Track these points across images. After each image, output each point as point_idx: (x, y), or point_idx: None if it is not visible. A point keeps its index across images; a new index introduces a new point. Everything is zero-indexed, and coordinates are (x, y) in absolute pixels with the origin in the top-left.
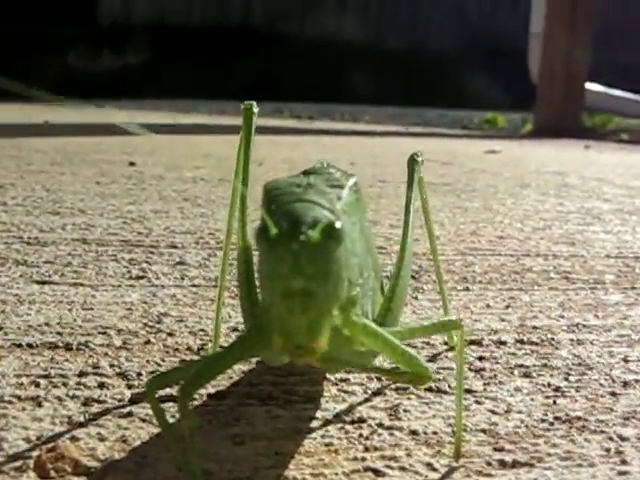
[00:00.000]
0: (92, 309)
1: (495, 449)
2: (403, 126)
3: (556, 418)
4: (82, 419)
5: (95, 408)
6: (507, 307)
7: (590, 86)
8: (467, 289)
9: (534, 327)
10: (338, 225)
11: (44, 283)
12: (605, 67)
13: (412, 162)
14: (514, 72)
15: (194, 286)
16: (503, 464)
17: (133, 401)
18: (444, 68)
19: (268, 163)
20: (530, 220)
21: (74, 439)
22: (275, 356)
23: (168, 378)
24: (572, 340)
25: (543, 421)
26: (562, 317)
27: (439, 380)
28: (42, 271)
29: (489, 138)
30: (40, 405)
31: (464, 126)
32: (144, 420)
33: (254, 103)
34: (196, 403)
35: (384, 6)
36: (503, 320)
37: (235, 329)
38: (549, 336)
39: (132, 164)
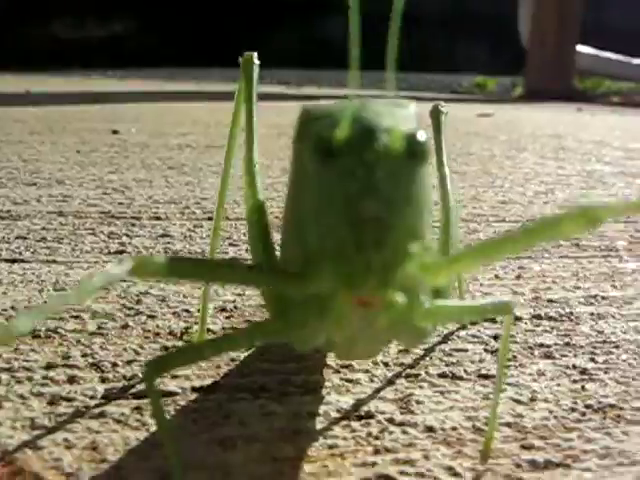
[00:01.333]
0: (64, 289)
1: (523, 447)
2: (391, 90)
3: (587, 407)
4: (47, 422)
5: (63, 407)
6: (518, 277)
7: (581, 49)
8: None
9: (549, 300)
10: (423, 137)
11: (14, 261)
12: (595, 29)
13: (436, 113)
14: (502, 36)
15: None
16: (534, 465)
17: (106, 397)
18: (431, 32)
19: None
20: (531, 184)
21: (36, 448)
22: (311, 335)
23: (171, 362)
24: (592, 314)
25: (573, 410)
26: (578, 288)
27: (452, 364)
28: (12, 247)
29: (480, 102)
30: (0, 406)
31: (453, 90)
32: (118, 421)
33: (254, 54)
34: (178, 399)
35: None
36: (515, 293)
37: (223, 309)
38: (567, 310)
39: (115, 132)
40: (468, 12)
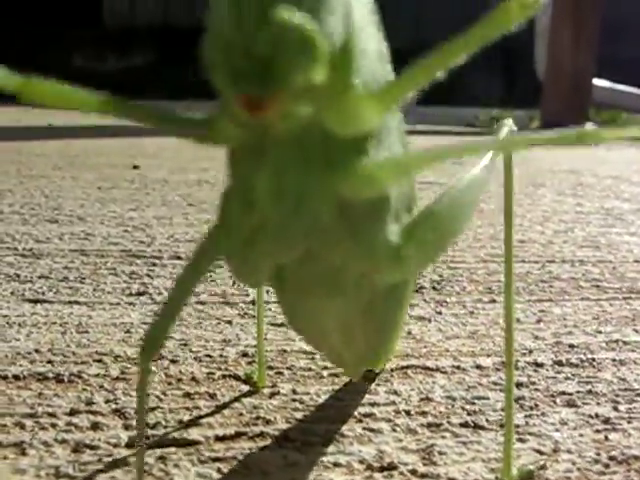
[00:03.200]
0: (87, 332)
1: None
2: (407, 124)
3: (611, 458)
4: (71, 470)
5: (87, 455)
6: (539, 322)
7: (597, 82)
8: (493, 301)
9: (571, 345)
10: None
11: (37, 302)
12: (610, 62)
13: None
14: (518, 69)
15: (200, 303)
16: None
17: (130, 445)
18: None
19: None
20: (550, 222)
21: None
22: (238, 246)
23: (157, 332)
24: (614, 360)
25: (597, 462)
26: (599, 332)
27: (474, 413)
28: (35, 287)
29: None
30: (24, 453)
31: (470, 123)
32: (144, 471)
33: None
34: (201, 448)
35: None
36: (537, 338)
37: (245, 354)
38: (589, 356)
39: (135, 167)
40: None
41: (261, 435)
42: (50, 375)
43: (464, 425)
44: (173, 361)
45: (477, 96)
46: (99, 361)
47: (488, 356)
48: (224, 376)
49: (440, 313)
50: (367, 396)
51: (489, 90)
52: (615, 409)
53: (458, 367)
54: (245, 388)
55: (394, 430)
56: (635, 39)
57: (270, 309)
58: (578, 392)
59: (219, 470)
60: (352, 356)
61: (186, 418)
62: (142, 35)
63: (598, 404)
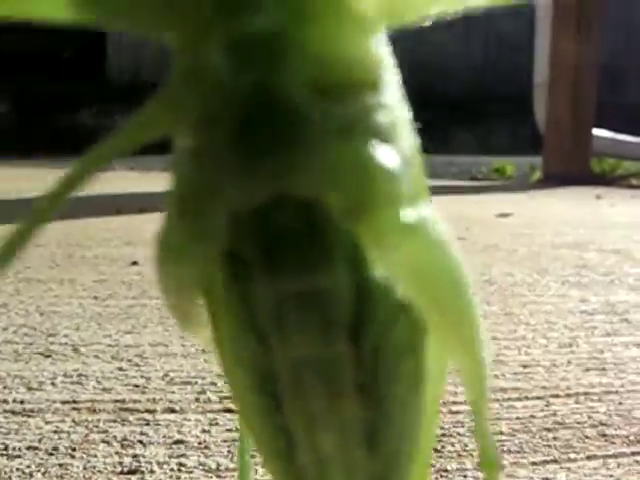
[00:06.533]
0: None
1: None
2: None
3: None
4: None
5: None
6: None
7: (597, 132)
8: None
9: None
10: None
11: None
12: (611, 110)
13: None
14: (519, 116)
15: None
16: None
17: None
18: (450, 113)
19: None
20: (554, 331)
21: None
22: None
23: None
24: None
25: None
26: None
27: None
28: (23, 466)
29: (500, 191)
30: None
31: (473, 177)
32: None
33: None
34: None
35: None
36: None
37: None
38: None
39: (134, 263)
40: (485, 93)
41: None
42: None
43: None
44: None
45: (482, 144)
46: None
47: None
48: None
49: None
50: None
51: (492, 137)
52: None
53: None
54: None
55: None
56: (637, 87)
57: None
58: None
59: None
60: None
61: None
62: (147, 90)
63: None
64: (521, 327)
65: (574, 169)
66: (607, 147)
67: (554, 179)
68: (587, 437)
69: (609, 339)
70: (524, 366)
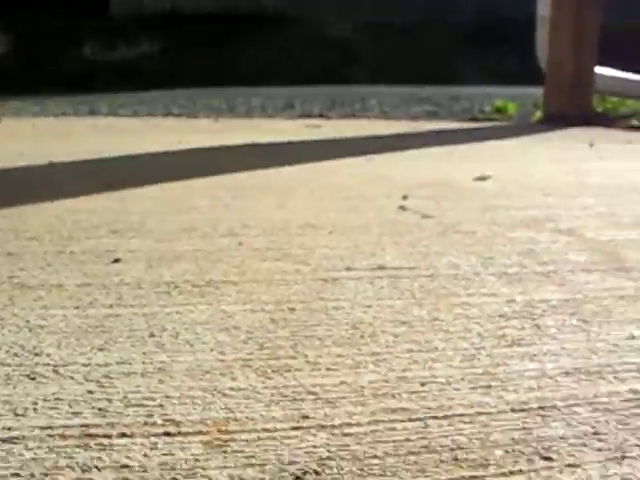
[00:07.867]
0: None
1: None
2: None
3: None
4: None
5: None
6: None
7: (600, 70)
8: None
9: None
10: None
11: None
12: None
13: None
14: (529, 44)
15: None
16: None
17: None
18: (458, 43)
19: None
20: (465, 341)
21: None
22: None
23: None
24: None
25: None
26: None
27: None
28: None
29: (494, 138)
30: None
31: (473, 117)
32: None
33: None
34: None
35: None
36: None
37: None
38: None
39: (117, 260)
40: (497, 20)
41: None
42: None
43: None
44: None
45: (490, 73)
46: None
47: None
48: None
49: None
50: None
51: (502, 65)
52: None
53: None
54: None
55: None
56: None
57: None
58: None
59: None
60: None
61: None
62: (150, 23)
63: None
64: (439, 336)
65: (575, 109)
66: (610, 85)
67: (554, 119)
68: (442, 461)
69: (509, 350)
70: (422, 384)
